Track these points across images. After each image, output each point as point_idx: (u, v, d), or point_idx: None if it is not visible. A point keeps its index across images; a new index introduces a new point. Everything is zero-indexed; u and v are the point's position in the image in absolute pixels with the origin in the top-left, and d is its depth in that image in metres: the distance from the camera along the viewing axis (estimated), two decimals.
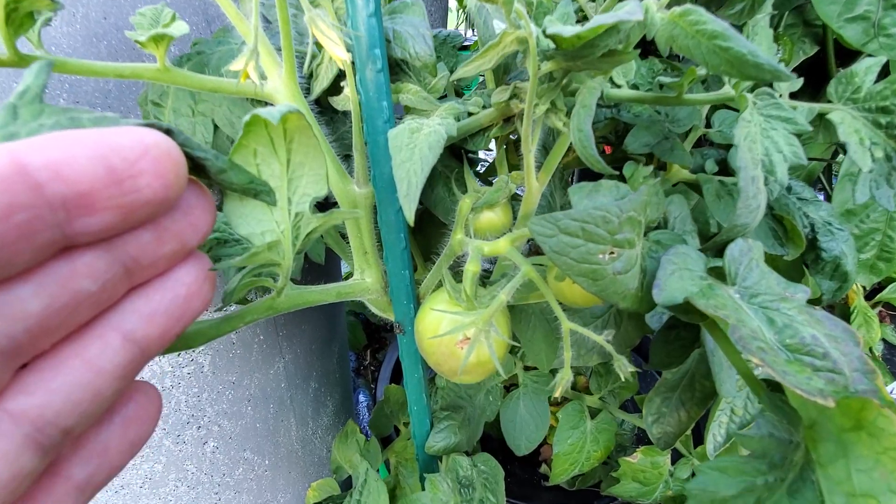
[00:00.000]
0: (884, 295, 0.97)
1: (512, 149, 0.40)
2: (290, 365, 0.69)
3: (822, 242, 0.41)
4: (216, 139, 0.35)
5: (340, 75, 0.33)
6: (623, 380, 0.55)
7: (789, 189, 0.41)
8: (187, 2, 0.44)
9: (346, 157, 0.36)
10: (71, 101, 0.39)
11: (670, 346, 0.39)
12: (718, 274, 0.30)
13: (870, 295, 0.99)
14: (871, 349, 0.96)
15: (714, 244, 0.31)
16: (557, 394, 0.30)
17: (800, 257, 0.42)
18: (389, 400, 0.67)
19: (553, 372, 0.58)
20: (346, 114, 0.35)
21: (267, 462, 0.72)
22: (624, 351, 0.41)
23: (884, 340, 0.98)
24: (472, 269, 0.31)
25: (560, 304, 0.30)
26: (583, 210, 0.24)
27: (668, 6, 0.26)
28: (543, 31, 0.26)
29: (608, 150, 0.50)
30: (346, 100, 0.34)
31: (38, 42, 0.26)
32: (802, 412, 0.23)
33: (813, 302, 0.60)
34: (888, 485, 0.20)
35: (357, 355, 1.17)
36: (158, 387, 0.57)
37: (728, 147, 0.44)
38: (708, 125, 0.44)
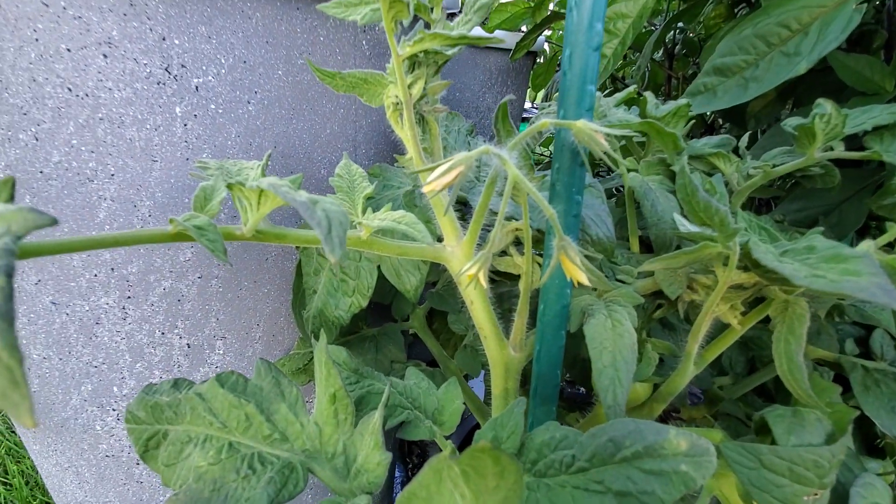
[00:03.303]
0: None
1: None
2: None
3: None
4: (379, 282, 0.36)
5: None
6: None
7: None
8: (342, 133, 0.47)
9: (503, 316, 0.36)
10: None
11: None
12: None
13: None
14: None
15: None
16: None
17: None
18: None
19: None
20: (506, 274, 0.36)
21: None
22: None
23: None
24: None
25: None
26: (791, 450, 0.24)
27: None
28: (744, 248, 0.26)
29: None
30: (510, 264, 0.35)
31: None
32: None
33: None
34: None
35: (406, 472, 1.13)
36: None
37: (866, 326, 0.43)
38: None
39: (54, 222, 0.15)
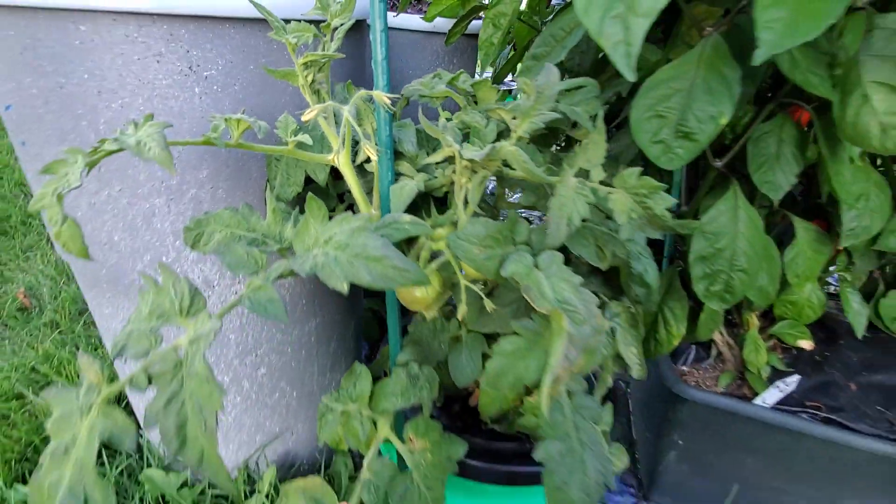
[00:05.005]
0: (774, 330, 1.21)
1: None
2: (319, 326, 1.00)
3: (632, 263, 0.72)
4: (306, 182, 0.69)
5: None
6: None
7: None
8: (294, 102, 0.79)
9: (369, 193, 0.69)
10: (220, 155, 0.74)
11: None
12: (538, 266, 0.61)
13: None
14: (758, 370, 1.22)
15: (540, 249, 0.63)
16: (459, 316, 0.62)
17: (617, 271, 0.73)
18: (383, 356, 0.98)
19: (488, 336, 0.89)
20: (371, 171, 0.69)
21: (295, 394, 1.02)
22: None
23: (772, 366, 1.22)
24: (424, 255, 0.63)
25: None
26: (468, 231, 0.57)
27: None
28: (460, 154, 0.59)
29: None
30: (372, 167, 0.68)
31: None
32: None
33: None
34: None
35: (370, 345, 1.42)
36: (236, 322, 0.88)
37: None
38: None
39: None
